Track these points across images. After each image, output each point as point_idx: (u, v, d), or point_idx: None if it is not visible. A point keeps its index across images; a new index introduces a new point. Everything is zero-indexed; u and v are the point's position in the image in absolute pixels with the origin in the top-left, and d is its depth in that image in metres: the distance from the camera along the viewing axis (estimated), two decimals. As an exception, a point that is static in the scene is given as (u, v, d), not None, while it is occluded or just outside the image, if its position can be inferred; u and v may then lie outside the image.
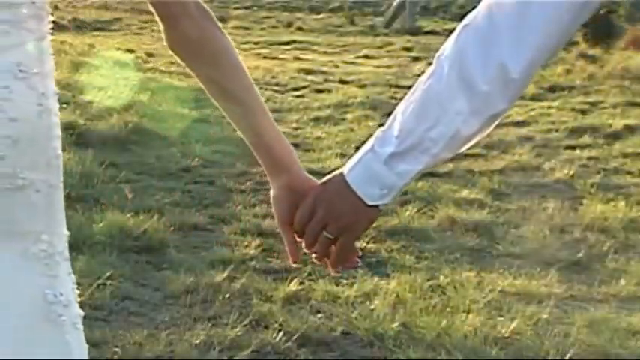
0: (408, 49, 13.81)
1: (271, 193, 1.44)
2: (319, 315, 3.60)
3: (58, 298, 1.28)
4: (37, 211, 1.27)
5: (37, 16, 1.26)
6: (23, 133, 1.23)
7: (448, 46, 1.33)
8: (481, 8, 1.32)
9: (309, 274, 4.00)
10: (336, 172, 1.39)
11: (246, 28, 17.03)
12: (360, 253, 1.45)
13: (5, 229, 1.24)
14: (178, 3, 1.39)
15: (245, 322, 3.46)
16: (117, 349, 3.20)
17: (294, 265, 1.52)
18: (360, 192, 1.35)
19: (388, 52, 13.77)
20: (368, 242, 4.43)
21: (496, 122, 1.35)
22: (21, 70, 1.23)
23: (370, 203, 1.35)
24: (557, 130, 7.65)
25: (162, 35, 1.43)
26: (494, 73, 1.29)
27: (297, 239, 1.42)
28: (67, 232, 1.34)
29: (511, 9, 1.29)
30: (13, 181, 1.23)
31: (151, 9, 1.40)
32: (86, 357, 1.32)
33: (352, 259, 1.43)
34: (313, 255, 1.42)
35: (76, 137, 6.04)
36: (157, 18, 1.42)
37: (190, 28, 1.40)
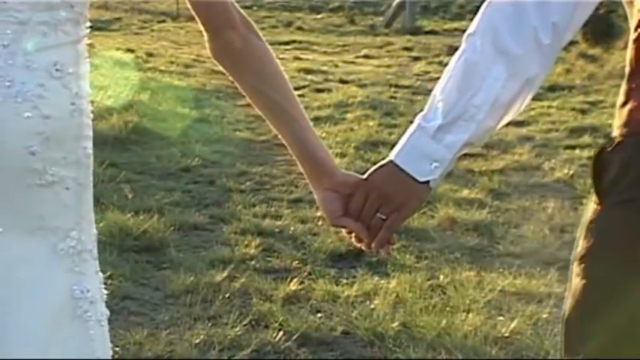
0: (408, 49, 13.80)
1: (316, 196, 1.48)
2: (319, 315, 3.60)
3: (84, 294, 1.32)
4: (66, 208, 1.28)
5: (75, 20, 1.29)
6: (55, 131, 1.25)
7: (474, 24, 1.40)
8: None
9: (309, 274, 4.01)
10: (381, 162, 1.44)
11: (247, 28, 17.00)
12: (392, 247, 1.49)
13: (34, 224, 1.26)
14: (223, 14, 1.43)
15: (245, 322, 3.46)
16: (117, 349, 3.20)
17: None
18: (410, 169, 1.39)
19: (388, 51, 13.76)
20: (368, 242, 4.42)
21: (532, 91, 1.41)
22: (57, 70, 1.25)
23: (421, 179, 1.39)
24: (557, 130, 7.65)
25: (206, 45, 1.46)
26: (527, 37, 1.36)
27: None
28: (95, 232, 1.36)
29: None
30: (43, 177, 1.25)
31: (197, 20, 1.43)
32: (109, 356, 1.34)
33: (391, 243, 1.47)
34: (363, 245, 1.47)
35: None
36: (201, 28, 1.45)
37: (234, 38, 1.44)
